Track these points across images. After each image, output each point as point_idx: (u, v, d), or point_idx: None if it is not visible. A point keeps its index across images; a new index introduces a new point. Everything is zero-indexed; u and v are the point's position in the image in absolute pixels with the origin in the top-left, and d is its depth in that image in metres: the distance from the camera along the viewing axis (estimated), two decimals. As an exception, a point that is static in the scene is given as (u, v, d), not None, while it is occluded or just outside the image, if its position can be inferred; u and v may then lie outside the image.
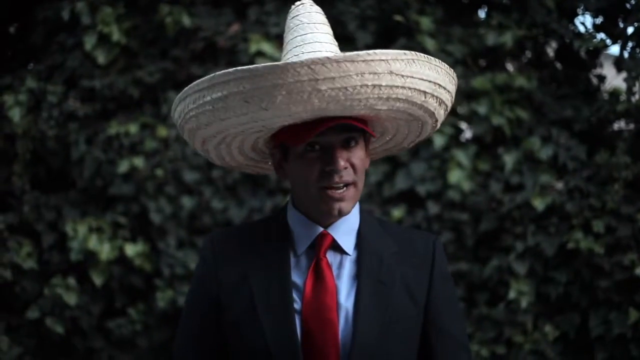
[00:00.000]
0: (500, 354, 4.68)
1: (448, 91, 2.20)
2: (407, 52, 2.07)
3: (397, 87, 2.06)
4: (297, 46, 2.21)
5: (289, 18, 2.27)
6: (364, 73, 2.01)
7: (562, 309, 4.65)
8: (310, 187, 2.17)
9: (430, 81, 2.12)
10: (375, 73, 2.02)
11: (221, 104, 2.07)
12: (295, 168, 2.19)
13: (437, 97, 2.17)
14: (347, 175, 2.15)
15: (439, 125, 2.29)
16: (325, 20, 2.27)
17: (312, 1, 2.29)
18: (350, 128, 2.15)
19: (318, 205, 2.18)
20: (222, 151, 2.30)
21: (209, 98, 2.08)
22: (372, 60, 2.01)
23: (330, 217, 2.20)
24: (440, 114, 2.24)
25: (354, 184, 2.17)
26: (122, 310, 5.20)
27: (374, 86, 2.03)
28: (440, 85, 2.15)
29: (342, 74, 1.99)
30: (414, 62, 2.07)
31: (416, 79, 2.08)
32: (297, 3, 2.29)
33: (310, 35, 2.21)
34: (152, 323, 5.10)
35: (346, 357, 2.14)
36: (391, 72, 2.04)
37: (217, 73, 2.06)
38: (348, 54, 2.01)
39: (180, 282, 5.02)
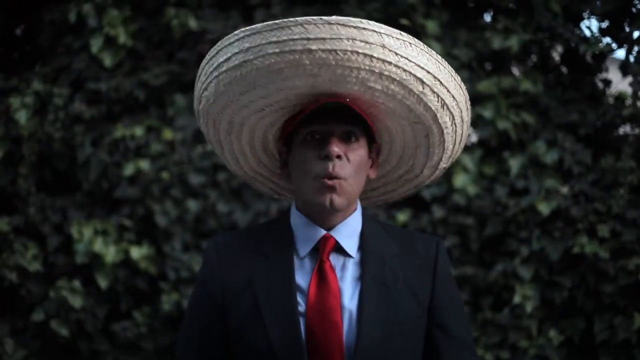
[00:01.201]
0: (505, 359, 4.68)
1: (452, 96, 2.18)
2: (404, 33, 2.08)
3: (389, 63, 2.06)
4: None
5: None
6: (355, 39, 2.03)
7: (567, 313, 4.64)
8: (307, 176, 2.17)
9: (428, 72, 2.12)
10: (366, 42, 2.03)
11: (224, 67, 2.13)
12: (295, 157, 2.21)
13: (438, 95, 2.15)
14: (341, 168, 2.15)
15: (447, 140, 2.26)
16: None
17: None
18: (350, 119, 2.16)
19: (313, 197, 2.18)
20: (234, 145, 2.32)
21: (215, 64, 2.16)
22: (364, 29, 2.04)
23: (324, 210, 2.19)
24: (446, 122, 2.21)
25: (348, 178, 2.16)
26: (127, 313, 5.20)
27: (365, 55, 2.04)
28: (441, 83, 2.15)
29: (333, 35, 2.02)
30: (410, 45, 2.09)
31: (412, 62, 2.09)
32: None
33: None
34: (157, 326, 5.11)
35: (350, 359, 2.14)
36: (384, 46, 2.05)
37: (224, 37, 2.16)
38: (341, 17, 2.04)
39: (185, 286, 5.03)
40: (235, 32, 2.12)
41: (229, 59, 2.12)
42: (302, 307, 2.17)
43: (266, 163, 2.38)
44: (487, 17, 5.29)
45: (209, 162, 5.11)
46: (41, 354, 5.22)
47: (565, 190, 4.70)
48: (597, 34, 4.85)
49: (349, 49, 2.03)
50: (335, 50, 2.03)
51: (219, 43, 2.16)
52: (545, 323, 4.66)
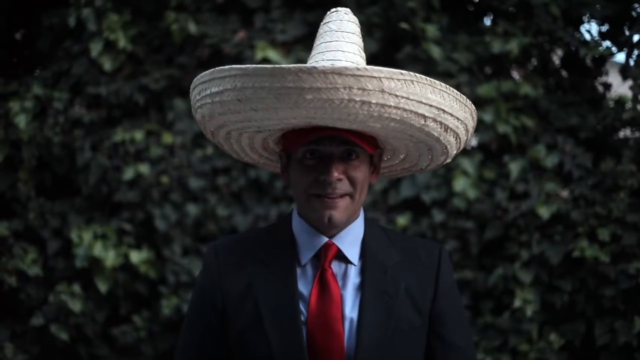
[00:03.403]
0: (506, 363, 4.67)
1: (457, 118, 2.12)
2: (404, 72, 1.99)
3: (389, 106, 1.99)
4: (319, 52, 2.20)
5: (321, 24, 2.27)
6: (352, 88, 1.94)
7: (567, 317, 4.63)
8: (303, 194, 2.17)
9: (431, 105, 2.04)
10: (364, 89, 1.95)
11: (217, 98, 2.08)
12: (294, 173, 2.19)
13: (441, 123, 2.10)
14: (342, 187, 2.14)
15: (452, 151, 2.24)
16: (357, 30, 2.24)
17: (348, 10, 2.26)
18: (350, 140, 2.12)
19: (312, 213, 2.17)
20: (234, 146, 2.31)
21: (208, 92, 2.10)
22: (361, 76, 1.94)
23: (321, 225, 2.18)
24: (450, 141, 2.18)
25: (349, 195, 2.15)
26: (126, 318, 5.19)
27: (363, 102, 1.96)
28: (444, 111, 2.08)
29: (328, 85, 1.94)
30: (412, 83, 2.00)
31: (413, 100, 2.01)
32: (332, 10, 2.27)
33: (335, 43, 2.19)
34: (157, 330, 5.10)
35: (351, 368, 2.13)
36: (383, 90, 1.96)
37: (218, 68, 2.08)
38: (338, 66, 1.96)
39: (185, 290, 5.02)
40: (227, 68, 2.04)
41: (221, 92, 2.06)
42: (303, 316, 2.16)
43: (268, 156, 2.37)
44: (487, 21, 5.29)
45: (208, 166, 5.10)
46: (41, 358, 5.21)
47: (565, 194, 4.70)
48: (597, 38, 4.85)
49: (346, 97, 1.95)
50: (331, 100, 1.96)
51: (211, 71, 2.09)
52: (546, 327, 4.65)
